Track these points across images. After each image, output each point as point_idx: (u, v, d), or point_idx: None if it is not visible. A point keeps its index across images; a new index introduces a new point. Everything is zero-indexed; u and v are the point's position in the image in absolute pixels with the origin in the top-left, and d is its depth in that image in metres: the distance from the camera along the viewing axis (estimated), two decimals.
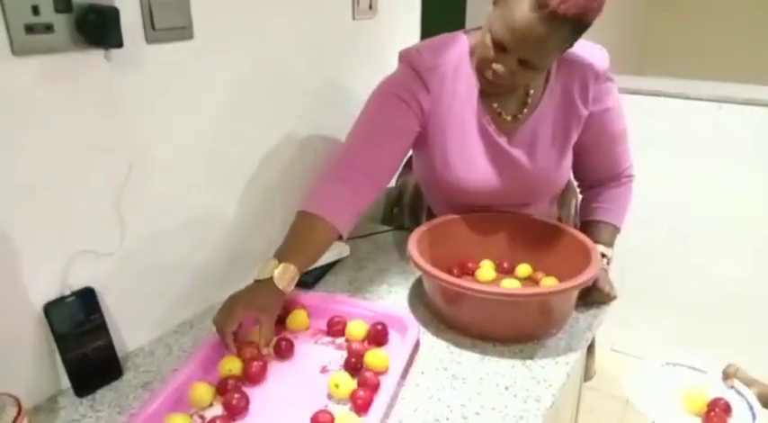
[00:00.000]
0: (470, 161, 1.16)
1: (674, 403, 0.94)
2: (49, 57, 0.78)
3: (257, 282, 0.98)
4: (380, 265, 1.30)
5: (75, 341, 0.88)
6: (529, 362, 0.97)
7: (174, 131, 1.00)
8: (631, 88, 1.94)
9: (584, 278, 0.99)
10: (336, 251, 1.29)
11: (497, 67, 1.03)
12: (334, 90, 1.36)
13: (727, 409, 0.89)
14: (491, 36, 1.01)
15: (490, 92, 1.13)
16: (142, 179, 0.95)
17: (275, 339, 0.99)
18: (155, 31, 0.90)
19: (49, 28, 0.76)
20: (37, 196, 0.82)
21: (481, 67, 1.08)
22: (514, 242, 1.21)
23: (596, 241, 1.17)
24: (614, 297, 1.15)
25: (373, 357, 0.94)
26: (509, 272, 1.21)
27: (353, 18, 1.34)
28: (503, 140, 1.16)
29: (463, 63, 1.13)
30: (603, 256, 1.17)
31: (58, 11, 0.76)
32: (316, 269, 1.23)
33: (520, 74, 1.04)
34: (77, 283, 0.89)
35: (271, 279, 0.96)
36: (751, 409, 0.90)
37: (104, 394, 0.90)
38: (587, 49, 1.15)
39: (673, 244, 2.13)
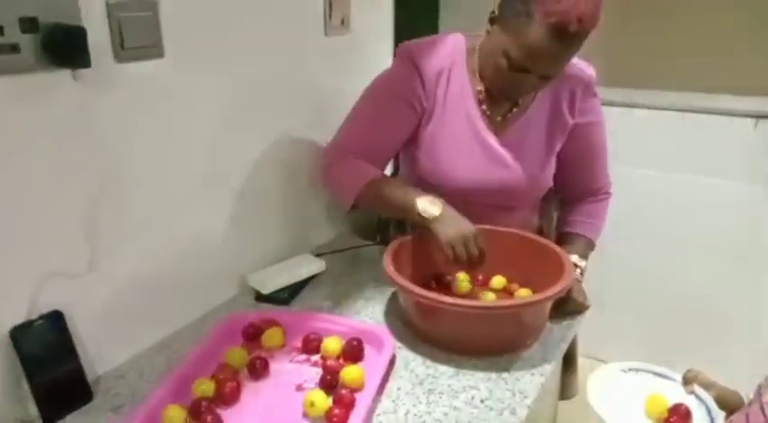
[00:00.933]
0: (459, 158, 1.18)
1: (636, 409, 0.95)
2: (15, 77, 0.77)
3: (441, 215, 1.05)
4: (357, 280, 1.30)
5: (42, 366, 0.86)
6: (504, 374, 0.98)
7: (149, 150, 0.99)
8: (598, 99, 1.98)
9: (557, 288, 1.00)
10: (313, 266, 1.29)
11: (519, 84, 1.08)
12: (311, 106, 1.36)
13: (686, 415, 0.91)
14: (508, 61, 1.04)
15: (505, 99, 1.17)
16: (115, 199, 0.94)
17: (249, 358, 0.98)
18: (124, 50, 0.89)
19: (14, 48, 0.75)
20: (2, 218, 0.80)
21: (501, 88, 1.12)
22: (489, 254, 1.22)
23: (571, 252, 1.19)
24: (588, 307, 1.17)
25: (348, 374, 0.93)
26: (484, 284, 1.22)
27: (326, 35, 1.34)
28: (492, 140, 1.18)
29: (459, 63, 1.17)
30: (577, 266, 1.19)
31: (24, 31, 0.75)
32: (292, 285, 1.23)
33: (539, 85, 1.10)
34: (46, 305, 0.87)
35: (445, 203, 1.08)
36: (710, 413, 0.92)
37: (74, 419, 0.88)
38: (578, 63, 1.19)
39: (641, 251, 2.17)
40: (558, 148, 1.22)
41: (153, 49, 0.93)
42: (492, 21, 1.08)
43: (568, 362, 1.38)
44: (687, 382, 0.98)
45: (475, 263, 1.05)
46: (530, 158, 1.20)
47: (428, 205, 1.07)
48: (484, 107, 1.18)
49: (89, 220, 0.90)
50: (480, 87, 1.17)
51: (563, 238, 1.27)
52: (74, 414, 0.88)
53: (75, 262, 0.91)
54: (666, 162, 2.05)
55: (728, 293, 2.05)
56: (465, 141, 1.18)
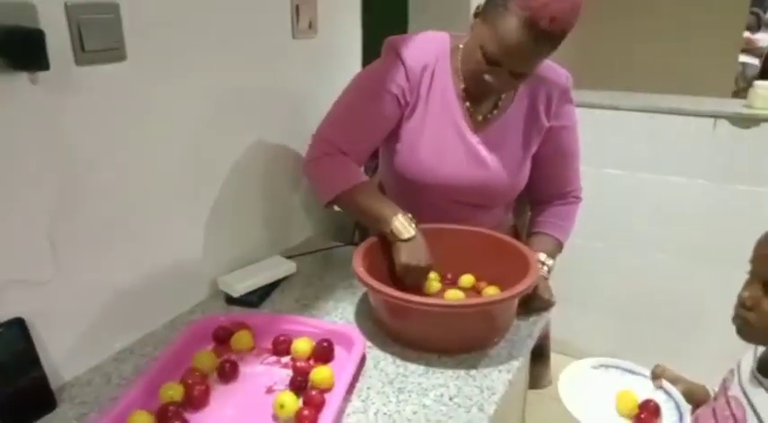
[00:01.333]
0: (440, 155, 1.20)
1: (606, 405, 0.97)
2: None
3: (409, 241, 1.09)
4: (327, 282, 1.30)
5: (4, 375, 0.84)
6: (473, 371, 0.99)
7: (113, 154, 0.97)
8: None
9: (523, 286, 1.02)
10: (283, 269, 1.29)
11: (491, 78, 1.09)
12: (280, 108, 1.36)
13: (656, 410, 0.93)
14: (482, 52, 1.06)
15: (484, 100, 1.19)
16: (78, 204, 0.92)
17: (219, 361, 0.98)
18: (85, 53, 0.88)
19: None
20: None
21: (475, 81, 1.13)
22: (457, 254, 1.24)
23: (538, 251, 1.21)
24: (553, 304, 1.19)
25: (318, 375, 0.94)
26: (453, 283, 1.24)
27: (293, 37, 1.34)
28: (473, 138, 1.20)
29: (443, 59, 1.18)
30: (544, 264, 1.21)
31: None
32: (262, 288, 1.23)
33: (511, 82, 1.11)
34: (7, 313, 0.85)
35: (417, 232, 1.11)
36: (678, 408, 0.94)
37: None
38: (555, 68, 1.23)
39: (609, 249, 2.22)
40: (534, 148, 1.25)
41: (114, 52, 0.92)
42: (476, 16, 1.11)
43: (541, 353, 1.40)
44: (655, 377, 1.01)
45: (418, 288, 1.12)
46: (508, 158, 1.22)
47: (402, 228, 1.10)
48: (467, 104, 1.19)
49: (51, 226, 0.89)
50: (463, 85, 1.19)
51: (532, 238, 1.30)
52: None
53: (38, 268, 0.89)
54: (632, 161, 2.10)
55: (693, 289, 2.10)
56: (447, 139, 1.20)
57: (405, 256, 1.09)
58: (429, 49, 1.19)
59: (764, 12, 7.22)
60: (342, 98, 1.22)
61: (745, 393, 0.85)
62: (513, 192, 1.30)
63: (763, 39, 6.99)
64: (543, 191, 1.32)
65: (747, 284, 0.84)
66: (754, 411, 0.82)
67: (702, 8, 3.36)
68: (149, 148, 1.04)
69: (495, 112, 1.21)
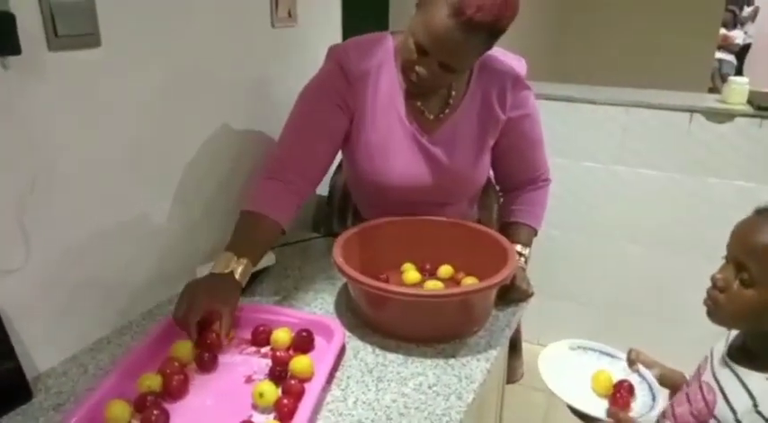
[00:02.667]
0: (392, 157, 1.19)
1: (583, 385, 0.99)
2: None
3: (216, 275, 1.01)
4: (307, 273, 1.30)
5: None
6: (451, 360, 1.00)
7: (85, 141, 0.96)
8: (544, 94, 2.04)
9: (501, 277, 1.03)
10: (263, 260, 1.27)
11: (420, 69, 1.07)
12: (258, 97, 1.35)
13: (630, 390, 0.96)
14: (413, 40, 1.05)
15: (415, 92, 1.17)
16: (49, 192, 0.91)
17: (197, 351, 0.97)
18: (58, 38, 0.86)
19: None
20: None
21: (406, 69, 1.12)
22: (436, 244, 1.24)
23: (514, 241, 1.22)
24: (531, 294, 1.20)
25: (298, 364, 0.94)
26: (432, 273, 1.24)
27: (273, 26, 1.33)
28: (424, 138, 1.19)
29: (387, 62, 1.17)
30: (521, 255, 1.22)
31: None
32: None
33: (441, 76, 1.09)
34: None
35: (231, 273, 1.01)
36: (651, 389, 0.97)
37: (11, 419, 0.85)
38: (507, 58, 1.21)
39: (584, 241, 2.25)
40: (491, 142, 1.24)
41: (89, 38, 0.91)
42: (417, 7, 1.08)
43: (513, 347, 1.42)
44: (630, 360, 1.03)
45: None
46: (462, 156, 1.21)
47: (218, 263, 1.03)
48: (418, 104, 1.18)
49: (22, 213, 0.87)
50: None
51: (506, 228, 1.30)
52: (12, 414, 0.86)
53: (9, 257, 0.88)
54: (609, 155, 2.13)
55: (667, 279, 2.14)
56: (397, 140, 1.19)
57: (187, 287, 0.99)
58: (371, 54, 1.17)
59: (740, 9, 7.36)
60: (290, 115, 1.19)
61: (716, 378, 0.87)
62: (473, 188, 1.30)
63: (739, 36, 7.13)
64: (513, 179, 1.33)
65: (721, 267, 0.86)
66: (724, 395, 0.84)
67: (679, 5, 3.41)
68: (124, 136, 1.03)
69: (446, 111, 1.20)
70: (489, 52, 1.10)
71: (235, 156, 1.32)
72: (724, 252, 0.87)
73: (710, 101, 2.04)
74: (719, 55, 6.05)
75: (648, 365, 1.02)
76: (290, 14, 1.36)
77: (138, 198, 1.09)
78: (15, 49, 0.77)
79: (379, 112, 1.17)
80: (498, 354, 1.05)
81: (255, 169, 1.39)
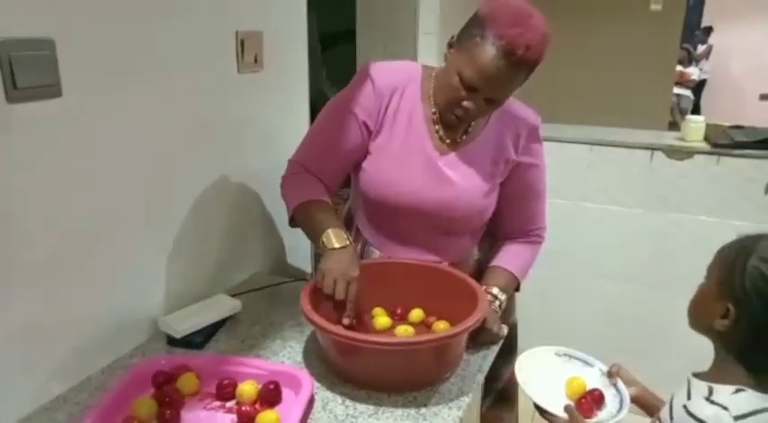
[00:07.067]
0: (404, 172, 1.21)
1: (556, 387, 1.03)
2: None
3: (338, 249, 1.09)
4: (275, 320, 1.27)
5: None
6: (423, 409, 0.98)
7: (47, 192, 0.94)
8: None
9: (471, 321, 1.02)
10: (228, 307, 1.25)
11: (468, 104, 1.12)
12: (225, 142, 1.34)
13: (599, 398, 0.99)
14: (460, 78, 1.10)
15: (456, 125, 1.21)
16: (8, 243, 0.88)
17: (158, 410, 0.93)
18: (17, 90, 0.85)
19: None
20: None
21: (450, 106, 1.15)
22: (407, 288, 1.23)
23: (491, 284, 1.23)
24: (503, 336, 1.20)
25: (264, 419, 0.91)
26: (402, 318, 1.23)
27: (239, 72, 1.34)
28: (439, 159, 1.22)
29: (413, 84, 1.22)
30: (497, 298, 1.22)
31: None
32: (206, 328, 1.19)
33: (485, 109, 1.15)
34: None
35: (351, 244, 1.12)
36: (621, 404, 1.00)
37: None
38: (524, 107, 1.27)
39: (553, 277, 2.26)
40: (499, 179, 1.26)
41: (49, 89, 0.89)
42: (450, 46, 1.15)
43: (507, 398, 1.41)
44: (610, 373, 1.07)
45: (339, 304, 1.08)
46: (472, 181, 1.23)
47: (334, 237, 1.11)
48: (437, 127, 1.22)
49: None
50: (433, 109, 1.22)
51: (488, 271, 1.30)
52: None
53: None
54: (574, 192, 2.17)
55: (634, 311, 2.17)
56: (411, 156, 1.21)
57: (327, 262, 1.09)
58: (400, 74, 1.23)
59: (695, 47, 7.71)
60: (315, 122, 1.27)
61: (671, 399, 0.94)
62: (478, 218, 1.29)
63: (695, 72, 7.45)
64: (506, 225, 1.34)
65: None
66: (671, 403, 0.92)
67: (637, 45, 3.55)
68: (83, 186, 1.00)
69: (464, 137, 1.24)
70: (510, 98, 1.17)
71: (200, 202, 1.29)
72: (689, 285, 0.96)
73: (670, 138, 2.11)
74: (677, 90, 6.29)
75: (629, 383, 1.05)
76: (256, 60, 1.37)
77: (99, 250, 1.06)
78: None
79: (397, 129, 1.22)
80: (471, 400, 1.03)
81: (222, 217, 1.37)
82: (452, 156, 1.23)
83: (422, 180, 1.21)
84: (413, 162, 1.21)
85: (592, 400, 1.00)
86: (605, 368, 1.09)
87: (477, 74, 1.07)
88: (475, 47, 1.07)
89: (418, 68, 1.25)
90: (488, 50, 1.05)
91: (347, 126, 1.21)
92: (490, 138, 1.24)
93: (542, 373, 1.06)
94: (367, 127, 1.21)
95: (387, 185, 1.22)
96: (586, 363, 1.11)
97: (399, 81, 1.22)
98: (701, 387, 0.90)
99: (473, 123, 1.24)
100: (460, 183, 1.22)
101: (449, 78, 1.13)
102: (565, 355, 1.12)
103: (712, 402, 0.85)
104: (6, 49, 0.82)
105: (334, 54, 2.82)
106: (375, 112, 1.21)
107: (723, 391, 0.87)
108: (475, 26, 1.08)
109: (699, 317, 0.94)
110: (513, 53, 1.04)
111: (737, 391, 0.86)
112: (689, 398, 0.90)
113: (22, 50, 0.84)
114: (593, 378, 1.06)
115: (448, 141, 1.23)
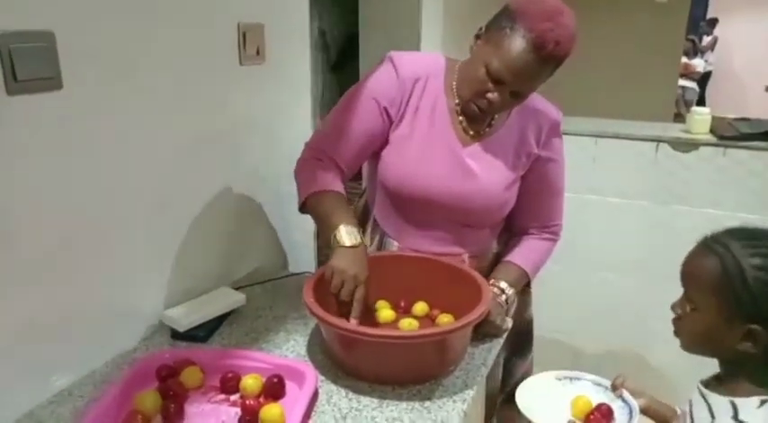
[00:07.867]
0: (426, 162, 1.20)
1: (562, 410, 1.00)
2: None
3: (348, 248, 1.07)
4: (278, 313, 1.27)
5: None
6: (427, 403, 0.98)
7: (47, 186, 0.93)
8: None
9: (475, 315, 1.01)
10: (231, 300, 1.25)
11: (493, 96, 1.11)
12: (225, 135, 1.33)
13: (607, 413, 0.97)
14: (487, 70, 1.09)
15: (479, 118, 1.20)
16: (8, 238, 0.88)
17: (163, 402, 0.93)
18: (17, 83, 0.84)
19: None
20: None
21: (475, 98, 1.14)
22: (411, 281, 1.23)
23: (500, 278, 1.23)
24: (506, 329, 1.19)
25: (268, 413, 0.90)
26: (406, 311, 1.23)
27: (241, 64, 1.33)
28: (461, 150, 1.21)
29: (437, 75, 1.21)
30: (504, 292, 1.22)
31: None
32: (210, 321, 1.19)
33: (510, 102, 1.14)
34: None
35: (362, 243, 1.10)
36: (631, 415, 0.97)
37: None
38: (548, 104, 1.26)
39: (558, 270, 2.25)
40: (521, 172, 1.26)
41: (49, 81, 0.89)
42: (477, 37, 1.14)
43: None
44: (614, 386, 1.04)
45: (343, 301, 1.06)
46: (493, 173, 1.22)
47: (346, 234, 1.08)
48: (460, 119, 1.21)
49: None
50: (457, 101, 1.20)
51: (500, 265, 1.29)
52: None
53: None
54: (579, 184, 2.15)
55: (638, 305, 2.16)
56: (434, 148, 1.20)
57: (337, 260, 1.06)
58: (424, 64, 1.22)
59: (700, 39, 7.65)
60: (335, 106, 1.24)
61: (690, 408, 0.91)
62: (498, 210, 1.28)
63: (700, 64, 7.39)
64: (522, 220, 1.33)
65: (681, 296, 0.92)
66: (692, 419, 0.89)
67: (642, 36, 3.52)
68: (87, 179, 1.00)
69: (486, 129, 1.23)
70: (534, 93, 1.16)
71: (202, 196, 1.29)
72: None
73: (675, 131, 2.10)
74: (683, 82, 6.26)
75: (636, 394, 1.02)
76: (258, 52, 1.36)
77: (103, 243, 1.05)
78: None
79: (420, 119, 1.20)
80: (475, 394, 1.03)
81: (225, 210, 1.37)
82: (476, 147, 1.22)
83: (446, 171, 1.20)
84: (436, 153, 1.21)
85: (601, 416, 0.97)
86: (608, 383, 1.06)
87: (504, 66, 1.07)
88: (504, 39, 1.06)
89: (442, 60, 1.24)
90: (518, 43, 1.04)
91: (368, 110, 1.19)
92: (513, 131, 1.24)
93: (545, 398, 1.03)
94: (388, 114, 1.20)
95: (409, 177, 1.21)
96: (589, 381, 1.08)
97: (422, 72, 1.21)
98: (722, 405, 0.85)
99: (496, 117, 1.23)
100: (483, 174, 1.21)
101: (475, 70, 1.11)
102: (566, 378, 1.09)
103: (741, 422, 0.81)
104: (6, 41, 0.81)
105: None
106: (398, 101, 1.20)
107: (748, 407, 0.82)
108: (505, 18, 1.07)
109: (706, 345, 0.89)
110: (543, 47, 1.03)
111: (762, 403, 0.82)
112: (713, 416, 0.85)
113: (22, 43, 0.84)
114: (598, 395, 1.03)
115: (471, 133, 1.22)
